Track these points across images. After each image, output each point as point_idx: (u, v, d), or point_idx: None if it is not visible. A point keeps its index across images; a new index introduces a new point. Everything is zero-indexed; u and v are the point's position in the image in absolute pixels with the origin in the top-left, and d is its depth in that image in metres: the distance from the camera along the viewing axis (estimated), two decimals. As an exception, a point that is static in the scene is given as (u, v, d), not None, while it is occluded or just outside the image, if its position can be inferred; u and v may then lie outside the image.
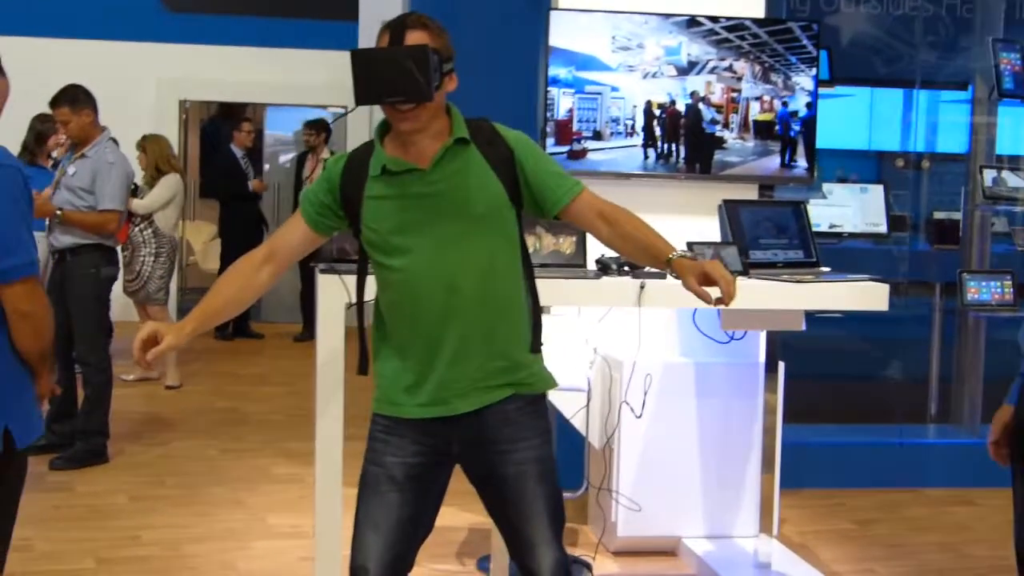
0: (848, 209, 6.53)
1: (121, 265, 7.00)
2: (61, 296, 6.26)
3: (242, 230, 10.58)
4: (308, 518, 5.21)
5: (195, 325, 2.93)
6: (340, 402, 4.01)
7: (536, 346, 3.00)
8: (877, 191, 6.80)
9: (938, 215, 7.23)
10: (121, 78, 10.51)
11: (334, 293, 3.91)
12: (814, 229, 4.87)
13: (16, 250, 2.97)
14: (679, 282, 2.87)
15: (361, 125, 11.02)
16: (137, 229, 8.20)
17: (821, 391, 6.82)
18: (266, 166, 12.47)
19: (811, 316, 4.72)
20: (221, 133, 11.45)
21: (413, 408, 2.92)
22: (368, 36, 11.73)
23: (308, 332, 10.92)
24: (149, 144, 8.55)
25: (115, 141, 6.44)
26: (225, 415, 7.79)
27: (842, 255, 5.46)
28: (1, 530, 3.14)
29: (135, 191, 7.70)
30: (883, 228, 6.66)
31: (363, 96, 2.78)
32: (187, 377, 8.59)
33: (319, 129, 10.86)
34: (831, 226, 6.27)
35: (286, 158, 12.64)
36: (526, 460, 2.92)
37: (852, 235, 6.58)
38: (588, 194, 2.97)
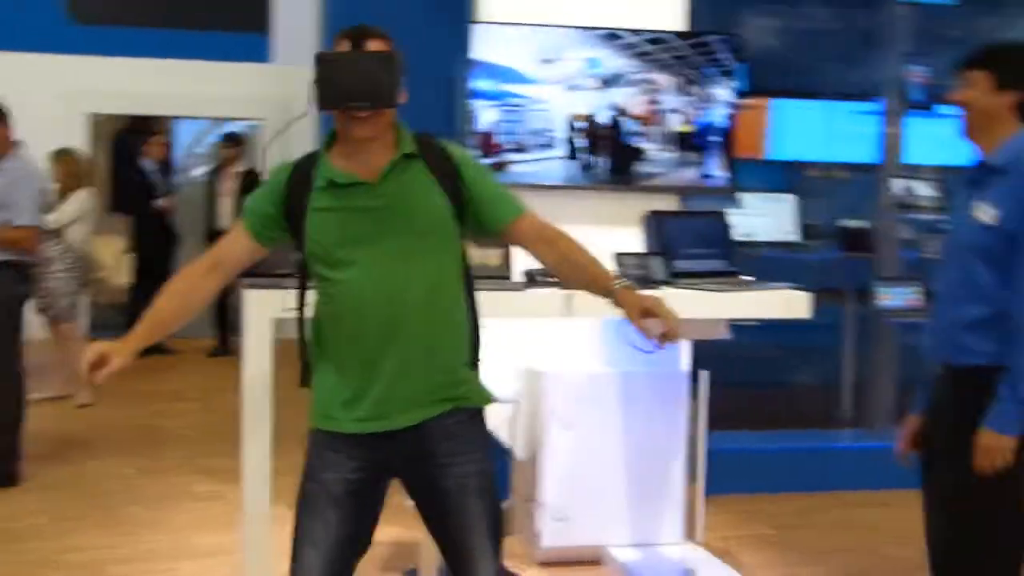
0: (762, 219, 6.63)
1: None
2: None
3: (153, 245, 10.48)
4: (232, 536, 5.17)
5: (141, 341, 2.89)
6: (267, 419, 3.99)
7: (475, 361, 3.01)
8: (789, 200, 6.92)
9: (847, 223, 7.36)
10: (28, 91, 10.28)
11: (261, 308, 3.88)
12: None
13: None
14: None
15: (275, 140, 10.95)
16: (47, 244, 8.06)
17: (741, 398, 6.90)
18: (177, 180, 12.31)
19: (730, 324, 4.79)
20: (131, 146, 11.30)
21: (351, 423, 2.90)
22: (282, 48, 11.78)
23: (222, 347, 10.82)
24: (64, 158, 8.44)
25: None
26: (141, 433, 7.68)
27: (757, 264, 5.54)
28: None
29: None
30: (795, 237, 6.77)
31: (327, 100, 2.78)
32: (100, 394, 8.44)
33: (234, 143, 10.78)
34: (745, 235, 6.35)
35: (198, 172, 12.51)
36: (467, 474, 2.92)
37: (766, 244, 6.68)
38: (531, 216, 3.01)
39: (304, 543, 2.90)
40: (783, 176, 8.89)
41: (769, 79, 7.67)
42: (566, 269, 3.01)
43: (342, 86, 2.76)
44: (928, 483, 3.47)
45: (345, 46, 2.83)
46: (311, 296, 3.00)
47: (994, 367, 3.18)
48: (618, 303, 2.90)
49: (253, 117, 11.71)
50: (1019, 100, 3.27)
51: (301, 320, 3.04)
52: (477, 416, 3.01)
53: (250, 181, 10.64)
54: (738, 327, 4.91)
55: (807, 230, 6.98)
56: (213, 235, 10.52)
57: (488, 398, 3.03)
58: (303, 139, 11.82)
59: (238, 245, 2.98)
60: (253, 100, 11.40)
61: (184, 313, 2.98)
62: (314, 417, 2.96)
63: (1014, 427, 3.16)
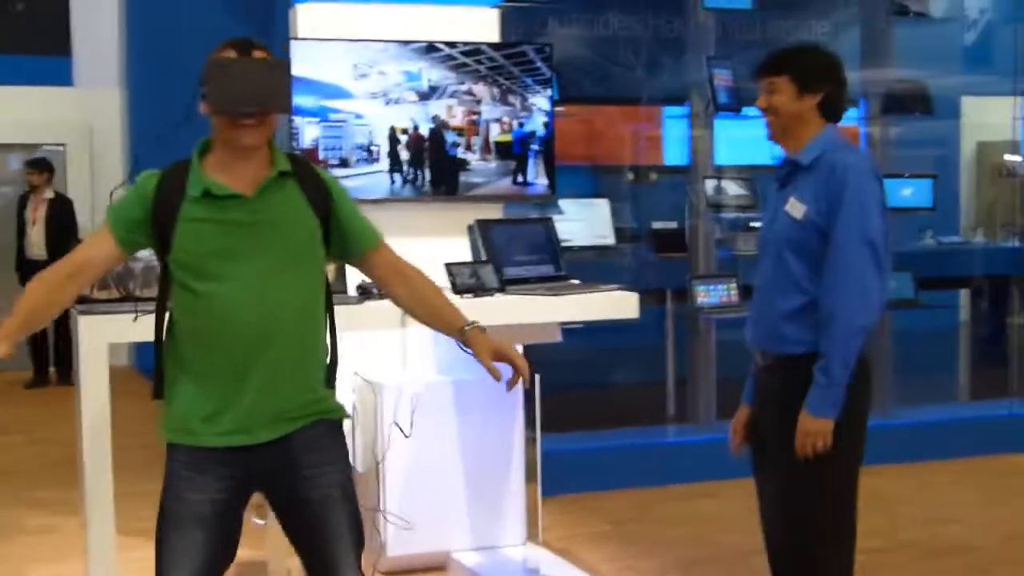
0: (577, 223, 6.78)
1: None
2: None
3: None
4: (69, 567, 5.08)
5: (19, 328, 2.80)
6: (108, 446, 3.94)
7: (333, 380, 3.04)
8: (603, 205, 7.08)
9: (658, 225, 7.56)
10: None
11: (95, 334, 3.84)
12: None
13: None
14: None
15: (83, 164, 10.80)
16: None
17: (568, 399, 7.02)
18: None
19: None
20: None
21: (213, 437, 2.87)
22: (85, 71, 11.54)
23: (40, 378, 10.54)
24: None
25: None
26: (-37, 470, 7.43)
27: (576, 268, 5.68)
28: None
29: None
30: (610, 240, 6.94)
31: (221, 105, 2.76)
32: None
33: (42, 168, 10.49)
34: (564, 241, 6.48)
35: (4, 198, 12.12)
36: (331, 484, 2.94)
37: (582, 248, 6.83)
38: (388, 250, 3.06)
39: (171, 565, 2.87)
40: (595, 180, 9.10)
41: (579, 87, 7.85)
42: (417, 306, 3.08)
43: (236, 91, 2.75)
44: (759, 473, 3.59)
45: (231, 55, 2.82)
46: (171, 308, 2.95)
47: (812, 354, 3.33)
48: (468, 344, 2.97)
49: (57, 142, 11.45)
50: (820, 101, 3.45)
51: (159, 332, 2.98)
52: (337, 428, 3.03)
53: (61, 207, 10.40)
54: (566, 331, 5.04)
55: (620, 233, 7.15)
56: (23, 264, 10.25)
57: (345, 412, 3.07)
58: (111, 162, 11.55)
59: (100, 251, 2.91)
60: (56, 124, 11.17)
61: (48, 312, 2.90)
62: (171, 432, 2.92)
63: (830, 410, 3.30)
